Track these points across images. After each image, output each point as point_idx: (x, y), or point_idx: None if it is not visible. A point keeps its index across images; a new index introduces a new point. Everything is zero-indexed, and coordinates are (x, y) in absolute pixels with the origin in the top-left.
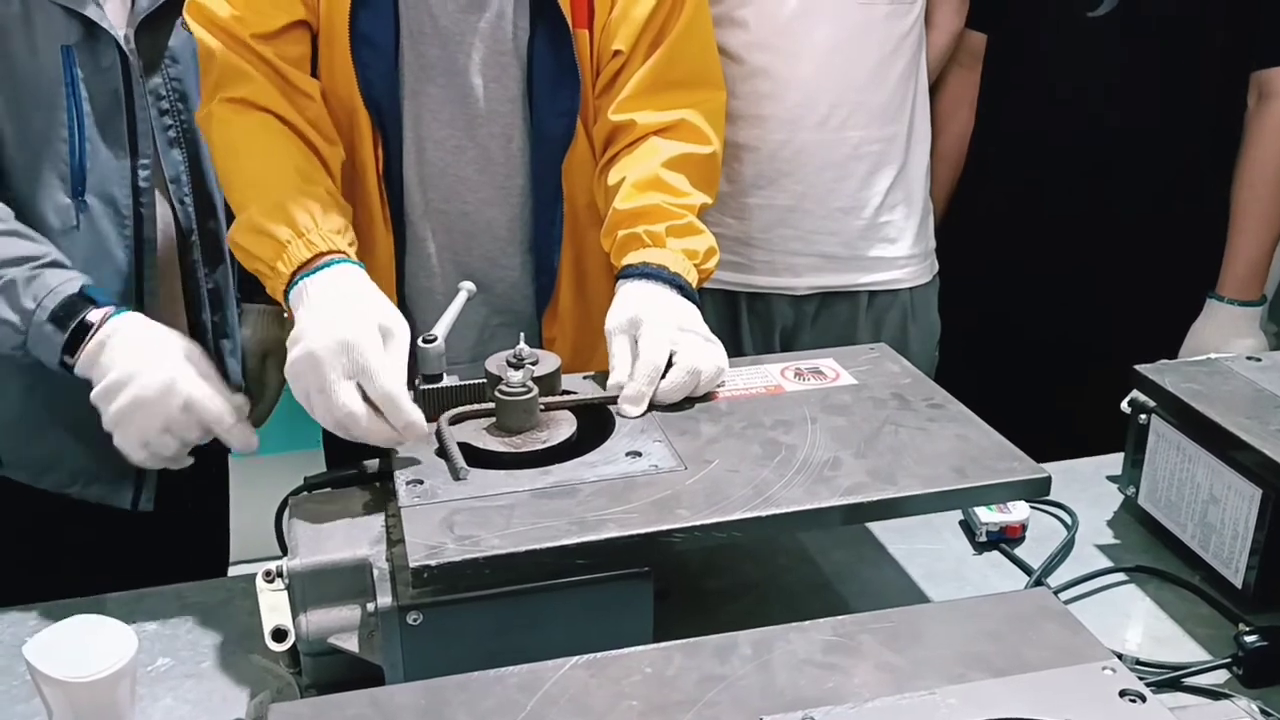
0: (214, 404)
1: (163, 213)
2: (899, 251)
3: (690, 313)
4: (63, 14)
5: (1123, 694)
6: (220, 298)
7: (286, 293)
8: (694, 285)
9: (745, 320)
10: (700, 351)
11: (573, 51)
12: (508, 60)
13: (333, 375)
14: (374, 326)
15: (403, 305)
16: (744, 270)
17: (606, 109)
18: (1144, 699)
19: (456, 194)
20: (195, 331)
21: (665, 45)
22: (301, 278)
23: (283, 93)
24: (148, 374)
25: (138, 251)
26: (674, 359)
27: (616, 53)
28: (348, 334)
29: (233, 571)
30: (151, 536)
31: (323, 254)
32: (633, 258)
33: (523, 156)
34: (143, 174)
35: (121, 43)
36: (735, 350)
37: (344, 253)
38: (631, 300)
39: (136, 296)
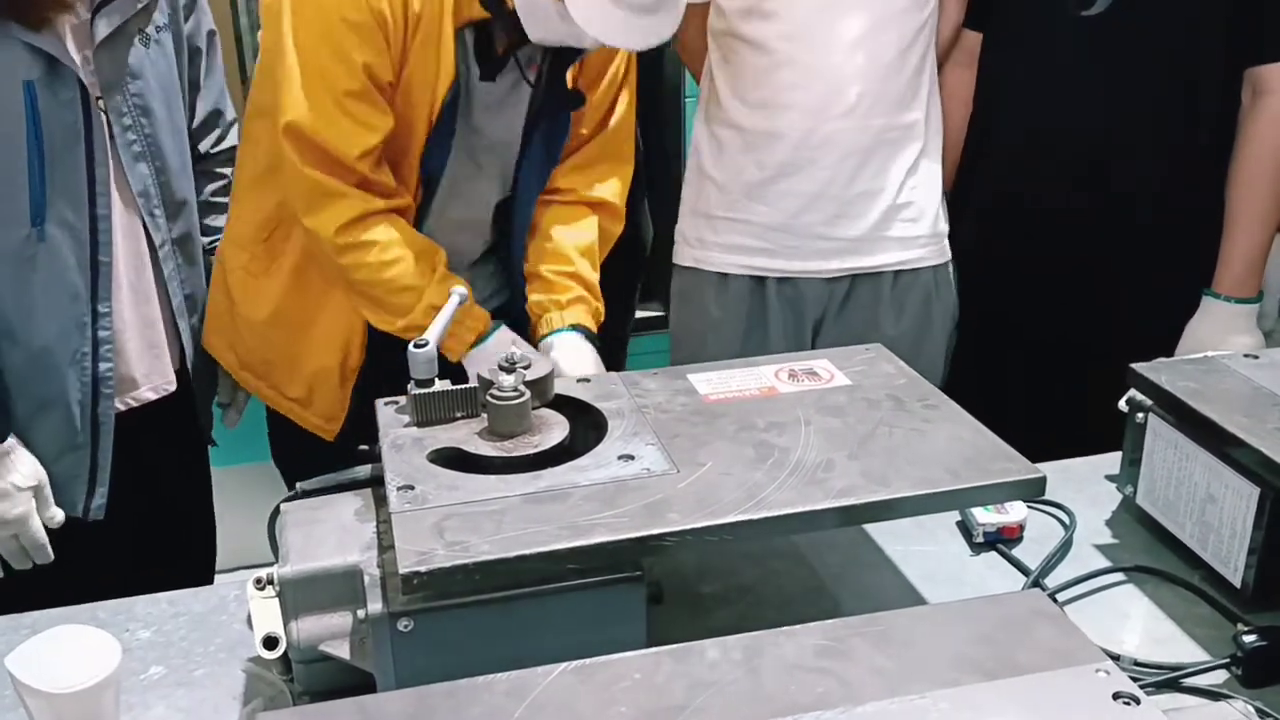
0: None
1: (132, 227)
2: (920, 230)
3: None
4: (25, 49)
5: (1116, 696)
6: (195, 302)
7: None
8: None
9: (774, 304)
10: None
11: (560, 149)
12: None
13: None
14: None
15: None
16: (773, 255)
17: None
18: (1138, 701)
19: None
20: (177, 336)
21: (611, 127)
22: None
23: (373, 192)
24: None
25: (93, 274)
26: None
27: (580, 135)
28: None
29: (220, 579)
30: (138, 544)
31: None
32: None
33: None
34: (100, 200)
35: (82, 75)
36: (763, 335)
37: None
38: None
39: (91, 316)
